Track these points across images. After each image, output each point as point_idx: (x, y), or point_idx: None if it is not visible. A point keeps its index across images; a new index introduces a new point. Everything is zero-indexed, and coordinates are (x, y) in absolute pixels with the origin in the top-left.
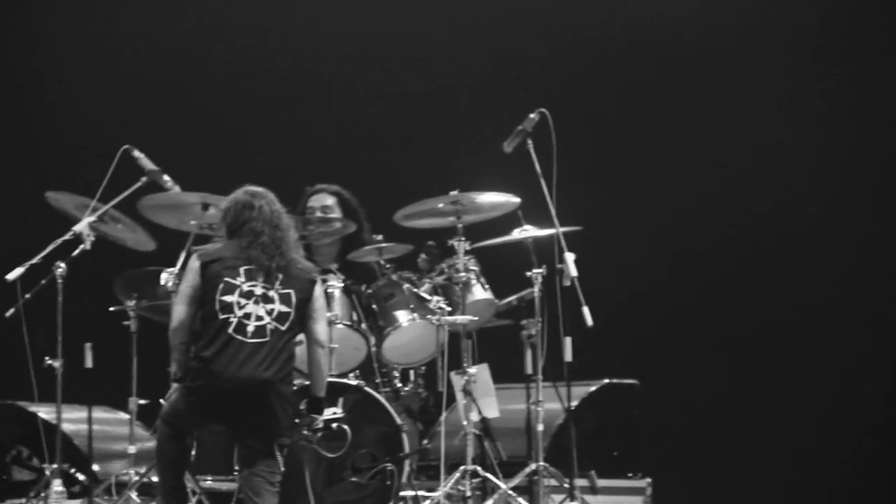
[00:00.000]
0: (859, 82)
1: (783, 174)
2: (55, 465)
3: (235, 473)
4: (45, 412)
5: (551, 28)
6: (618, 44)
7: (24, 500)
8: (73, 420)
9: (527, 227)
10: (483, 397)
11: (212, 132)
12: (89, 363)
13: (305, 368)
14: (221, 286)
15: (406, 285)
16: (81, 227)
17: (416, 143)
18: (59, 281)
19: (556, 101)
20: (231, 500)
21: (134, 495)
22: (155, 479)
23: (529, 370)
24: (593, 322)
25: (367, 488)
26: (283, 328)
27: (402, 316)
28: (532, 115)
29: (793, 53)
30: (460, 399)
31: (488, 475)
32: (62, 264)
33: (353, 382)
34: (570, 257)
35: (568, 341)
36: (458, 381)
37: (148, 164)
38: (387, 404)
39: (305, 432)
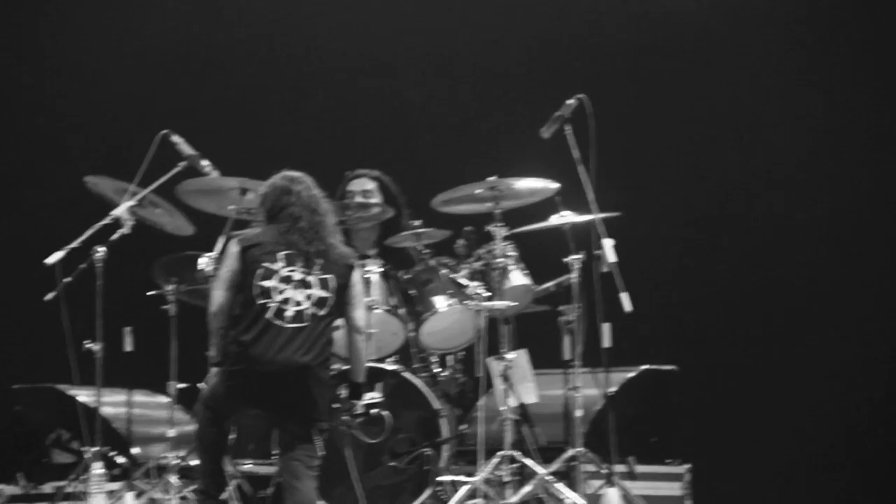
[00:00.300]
0: None
1: (824, 157)
2: (95, 449)
3: (274, 457)
4: (85, 396)
5: (591, 12)
6: (657, 27)
7: (64, 483)
8: (112, 403)
9: (565, 212)
10: (521, 383)
11: (250, 117)
12: (129, 347)
13: (344, 353)
14: (260, 271)
15: (444, 271)
16: (121, 211)
17: (455, 128)
18: (99, 265)
19: (595, 86)
20: (270, 483)
21: (173, 479)
22: (194, 462)
23: (568, 356)
24: (632, 308)
25: (405, 473)
26: (322, 313)
27: (440, 301)
28: (570, 101)
29: (840, 36)
30: (498, 384)
31: (526, 461)
32: (102, 248)
33: (392, 367)
34: (608, 243)
35: (606, 327)
36: (495, 366)
37: (186, 148)
38: (425, 389)
39: (345, 417)
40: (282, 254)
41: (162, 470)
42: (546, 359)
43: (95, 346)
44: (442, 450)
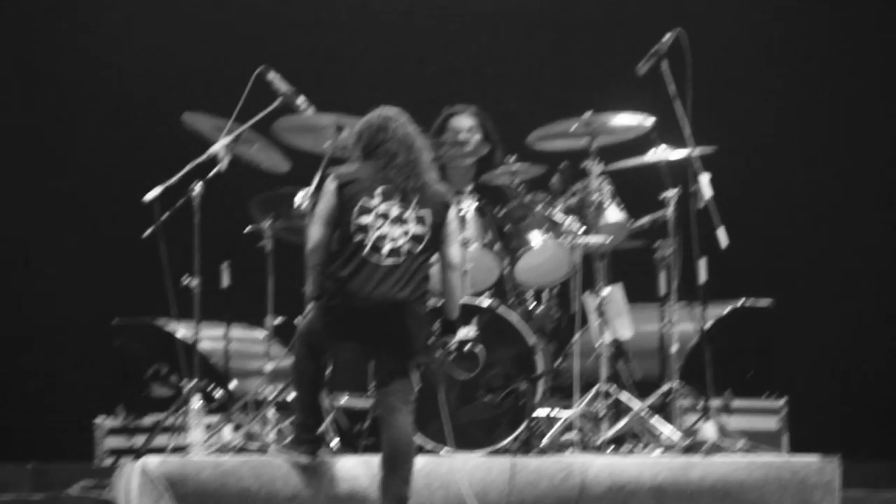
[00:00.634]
0: None
1: None
2: (193, 382)
3: (371, 392)
4: (183, 330)
5: None
6: None
7: (163, 416)
8: (210, 338)
9: (661, 148)
10: (616, 318)
11: (345, 53)
12: (226, 282)
13: (440, 289)
14: (357, 208)
15: (539, 207)
16: (218, 148)
17: (550, 64)
18: (196, 201)
19: (691, 20)
20: (366, 418)
21: (271, 412)
22: (291, 396)
23: (663, 291)
24: (728, 242)
25: (500, 408)
26: (418, 250)
27: (536, 237)
28: (666, 37)
29: None
30: (593, 320)
31: (622, 395)
32: (199, 185)
33: (487, 303)
34: (704, 178)
35: (702, 262)
36: (591, 301)
37: (283, 85)
38: (520, 325)
39: (440, 353)
40: (378, 190)
41: (259, 404)
42: (641, 294)
43: (193, 282)
44: (537, 385)
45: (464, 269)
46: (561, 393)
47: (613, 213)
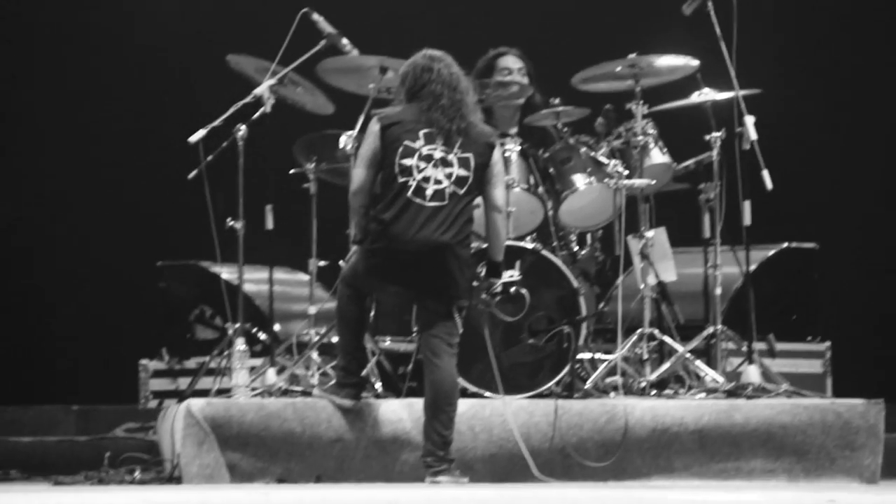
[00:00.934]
0: None
1: None
2: (237, 325)
3: (414, 335)
4: (227, 273)
5: None
6: None
7: (207, 359)
8: (254, 280)
9: (706, 90)
10: (660, 261)
11: None
12: (270, 225)
13: (483, 232)
14: (401, 149)
15: (583, 149)
16: (262, 90)
17: (595, 5)
18: (240, 143)
19: None
20: (410, 361)
21: (314, 355)
22: (335, 339)
23: (707, 234)
24: (773, 185)
25: (543, 351)
26: (462, 192)
27: (580, 179)
28: None
29: None
30: (637, 263)
31: (665, 338)
32: (243, 127)
33: (531, 246)
34: (749, 120)
35: (747, 205)
36: (635, 244)
37: (327, 27)
38: (564, 267)
39: (484, 296)
40: (422, 132)
41: (303, 346)
42: (685, 237)
43: (237, 224)
44: (581, 328)
45: (508, 212)
46: (604, 336)
47: (658, 156)
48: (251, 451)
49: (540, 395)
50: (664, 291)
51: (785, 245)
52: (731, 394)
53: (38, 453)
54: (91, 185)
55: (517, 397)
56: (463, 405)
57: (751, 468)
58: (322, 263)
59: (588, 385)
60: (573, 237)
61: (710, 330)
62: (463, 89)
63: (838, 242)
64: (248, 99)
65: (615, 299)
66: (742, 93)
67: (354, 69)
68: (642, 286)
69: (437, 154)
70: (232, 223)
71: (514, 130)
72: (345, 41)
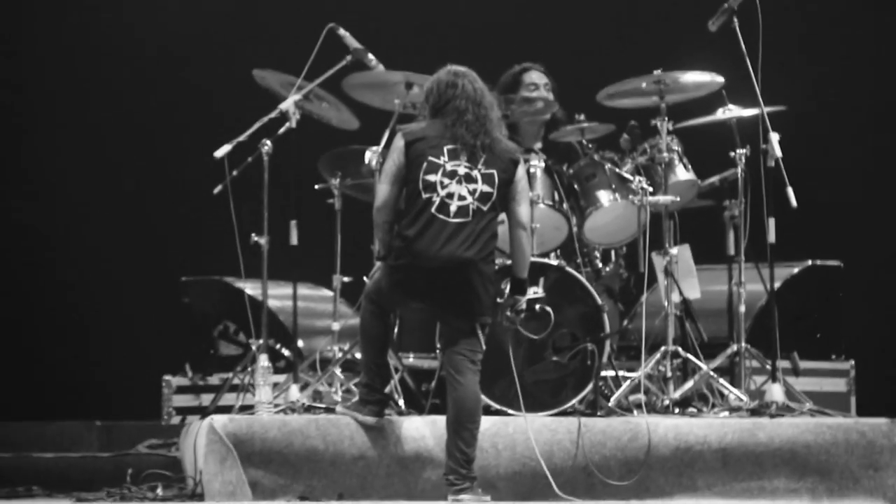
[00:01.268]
0: None
1: None
2: (261, 341)
3: (438, 352)
4: (251, 288)
5: None
6: None
7: (230, 375)
8: (278, 296)
9: (731, 106)
10: (684, 278)
11: (414, 11)
12: (294, 240)
13: (507, 248)
14: (425, 165)
15: (608, 165)
16: (287, 105)
17: (620, 21)
18: (266, 158)
19: None
20: (433, 377)
21: (338, 371)
22: (358, 355)
23: (731, 251)
24: (797, 203)
25: (567, 368)
26: (485, 208)
27: (604, 196)
28: None
29: None
30: (661, 280)
31: (689, 356)
32: (268, 142)
33: (555, 262)
34: (774, 137)
35: (772, 222)
36: (659, 261)
37: (353, 42)
38: (588, 284)
39: (508, 313)
40: (447, 148)
41: (326, 363)
42: (710, 254)
43: (262, 239)
44: (604, 345)
45: (532, 228)
46: (628, 353)
47: (682, 172)
48: (274, 468)
49: (563, 413)
50: (688, 309)
51: (809, 263)
52: (754, 412)
53: (61, 469)
54: (115, 201)
55: (540, 415)
56: (486, 422)
57: (774, 487)
58: (346, 279)
59: (611, 403)
60: (597, 254)
61: (734, 348)
62: (487, 105)
63: (863, 261)
64: (273, 114)
65: (639, 316)
66: (767, 110)
67: (380, 84)
68: (666, 303)
69: (462, 170)
70: (256, 238)
71: (538, 146)
72: (370, 56)
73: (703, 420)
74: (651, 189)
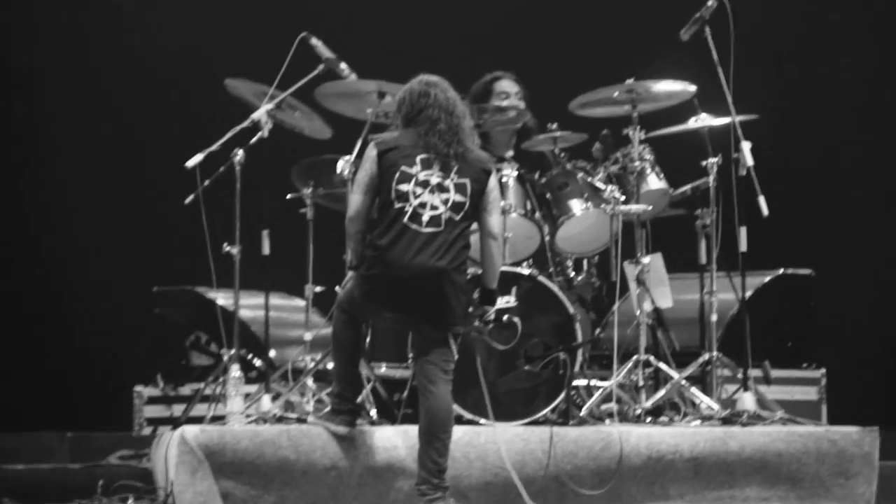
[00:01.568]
0: None
1: None
2: (233, 351)
3: (410, 361)
4: (222, 298)
5: None
6: None
7: (202, 385)
8: (250, 306)
9: (702, 115)
10: (656, 287)
11: (387, 20)
12: (266, 250)
13: (479, 258)
14: (398, 175)
15: (580, 174)
16: (259, 114)
17: (592, 30)
18: (238, 168)
19: None
20: (405, 387)
21: (310, 381)
22: (330, 365)
23: (703, 260)
24: (769, 211)
25: (539, 377)
26: (458, 218)
27: (576, 205)
28: (710, 3)
29: None
30: (633, 289)
31: (661, 365)
32: (240, 151)
33: (527, 272)
34: (746, 146)
35: (743, 231)
36: (631, 270)
37: (325, 51)
38: (560, 293)
39: (477, 323)
40: (419, 157)
41: (298, 373)
42: (682, 263)
43: (234, 249)
44: (577, 354)
45: (504, 238)
46: (600, 362)
47: (654, 181)
48: (245, 478)
49: (535, 422)
50: (660, 318)
51: (781, 272)
52: (726, 421)
53: (32, 481)
54: (86, 210)
55: (512, 424)
56: (458, 432)
57: (746, 496)
58: (318, 289)
59: (583, 412)
60: (569, 263)
61: (706, 357)
62: (460, 114)
63: (834, 269)
64: (245, 123)
65: (611, 325)
66: (739, 118)
67: (352, 94)
68: (638, 312)
69: (434, 179)
70: (228, 248)
71: (510, 155)
72: (343, 66)
73: (675, 429)
74: (623, 198)
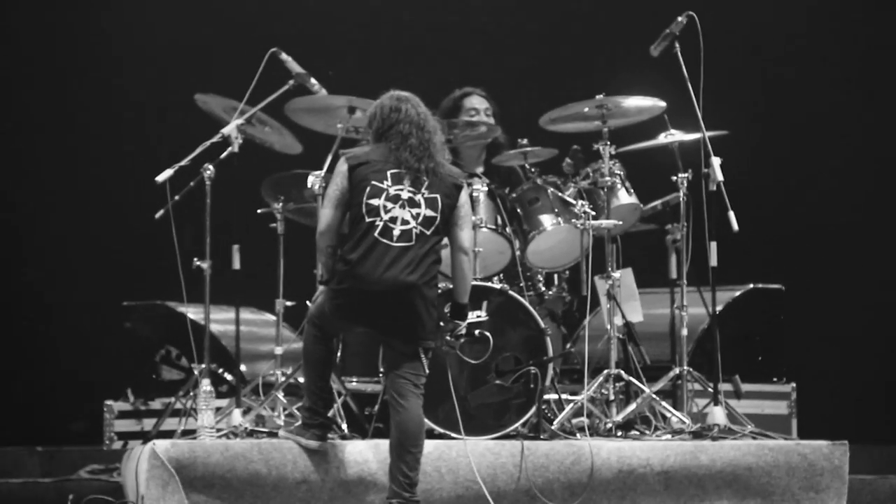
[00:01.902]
0: None
1: None
2: (203, 365)
3: (381, 375)
4: (193, 313)
5: None
6: None
7: (172, 399)
8: (220, 321)
9: (672, 131)
10: (627, 301)
11: (356, 36)
12: (237, 265)
13: (450, 272)
14: (368, 189)
15: (551, 189)
16: (229, 129)
17: (563, 46)
18: (208, 183)
19: (704, 4)
20: (376, 401)
21: (280, 395)
22: (301, 379)
23: (674, 275)
24: (739, 226)
25: (510, 391)
26: (429, 232)
27: (547, 220)
28: (680, 18)
29: None
30: (604, 303)
31: (632, 379)
32: (210, 166)
33: (497, 286)
34: (716, 161)
35: (713, 246)
36: (602, 285)
37: (295, 67)
38: (531, 308)
39: (448, 338)
40: (390, 172)
41: (269, 387)
42: (652, 277)
43: (204, 264)
44: (547, 368)
45: (475, 252)
46: (571, 377)
47: (625, 196)
48: (216, 492)
49: (506, 436)
50: (630, 332)
51: (751, 286)
52: (696, 435)
53: (2, 495)
54: (57, 224)
55: (483, 438)
56: (429, 446)
57: None
58: (289, 303)
59: (554, 426)
60: (540, 277)
61: (676, 371)
62: (431, 129)
63: (804, 284)
64: (215, 138)
65: (582, 340)
66: (709, 134)
67: (323, 109)
68: (609, 327)
69: (405, 194)
70: (198, 263)
71: (480, 170)
72: (313, 81)
73: (646, 443)
74: (594, 213)
